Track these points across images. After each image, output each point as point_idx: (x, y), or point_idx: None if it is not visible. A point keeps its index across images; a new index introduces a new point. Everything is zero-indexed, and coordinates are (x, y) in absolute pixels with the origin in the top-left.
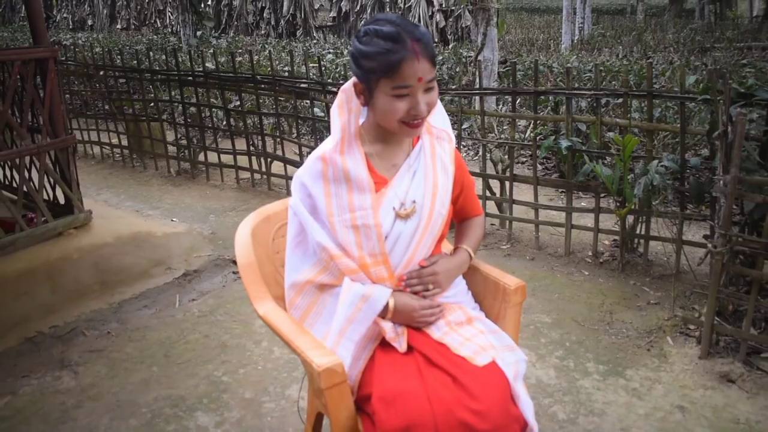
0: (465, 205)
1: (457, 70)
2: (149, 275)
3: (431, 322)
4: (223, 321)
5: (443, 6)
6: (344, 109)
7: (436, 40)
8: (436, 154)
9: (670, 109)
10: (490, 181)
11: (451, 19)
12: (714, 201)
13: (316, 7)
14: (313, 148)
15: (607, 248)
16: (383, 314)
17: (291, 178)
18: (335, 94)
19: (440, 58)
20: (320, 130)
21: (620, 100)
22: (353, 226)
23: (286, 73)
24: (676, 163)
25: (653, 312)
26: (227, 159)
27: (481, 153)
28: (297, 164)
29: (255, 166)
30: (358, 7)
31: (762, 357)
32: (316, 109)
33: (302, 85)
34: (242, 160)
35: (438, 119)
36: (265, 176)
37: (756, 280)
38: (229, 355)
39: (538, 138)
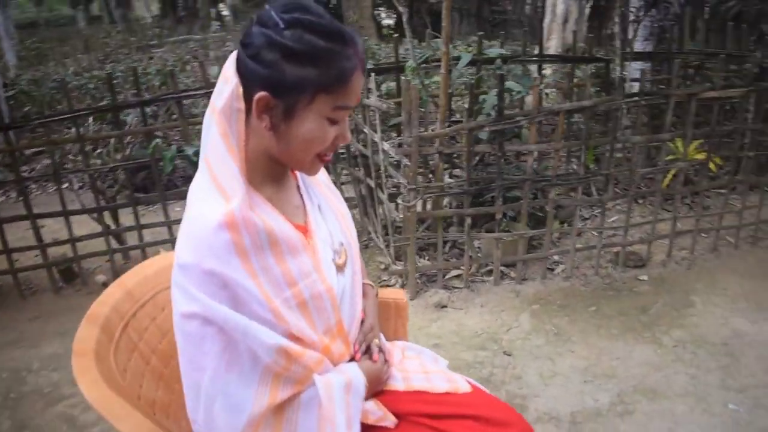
0: None
1: None
2: None
3: (389, 374)
4: None
5: None
6: (229, 140)
7: None
8: (316, 178)
9: None
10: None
11: None
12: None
13: None
14: None
15: None
16: None
17: None
18: None
19: None
20: None
21: None
22: (300, 303)
23: None
24: None
25: None
26: None
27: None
28: None
29: None
30: None
31: (448, 278)
32: None
33: None
34: None
35: None
36: None
37: (440, 217)
38: None
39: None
